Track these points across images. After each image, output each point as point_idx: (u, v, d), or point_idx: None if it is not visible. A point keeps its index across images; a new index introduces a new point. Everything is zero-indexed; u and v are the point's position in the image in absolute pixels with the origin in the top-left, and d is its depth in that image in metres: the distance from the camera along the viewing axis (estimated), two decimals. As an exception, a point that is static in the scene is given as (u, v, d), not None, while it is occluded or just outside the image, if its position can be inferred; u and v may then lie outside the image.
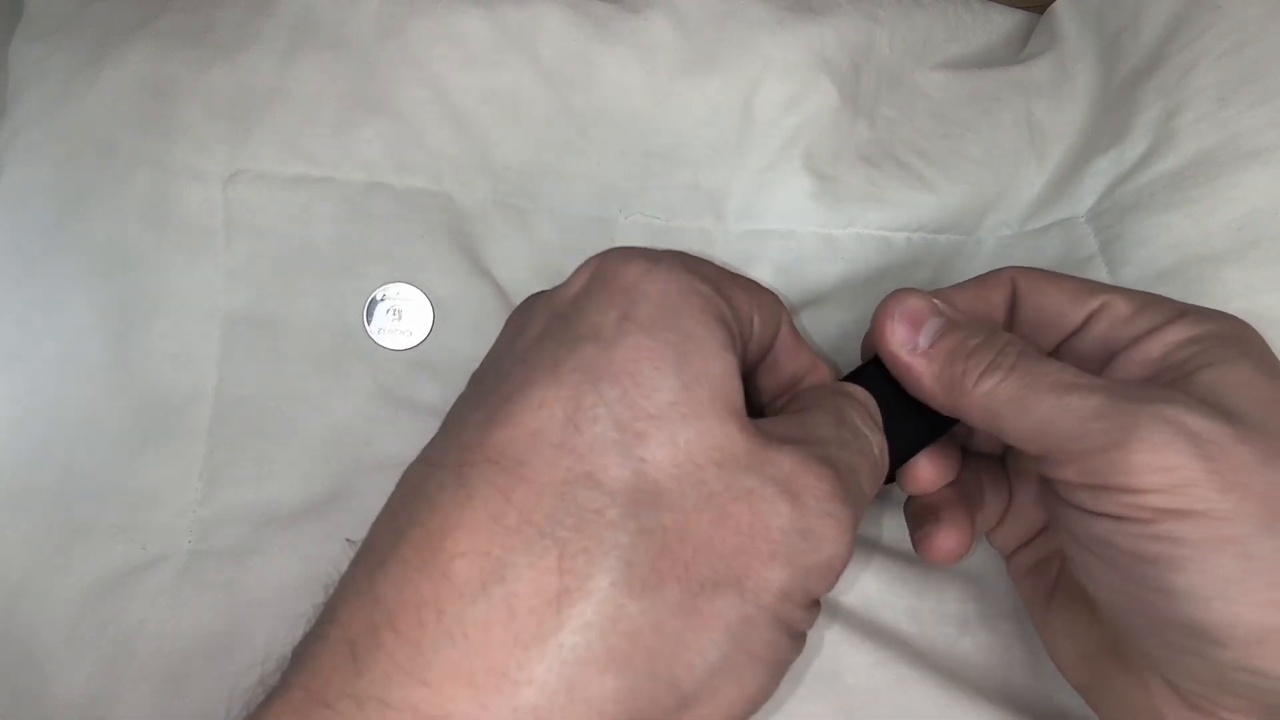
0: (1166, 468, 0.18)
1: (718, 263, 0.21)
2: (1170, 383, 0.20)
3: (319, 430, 0.27)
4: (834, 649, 0.25)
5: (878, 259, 0.31)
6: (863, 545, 0.27)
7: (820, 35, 0.30)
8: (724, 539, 0.17)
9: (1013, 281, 0.23)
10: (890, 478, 0.27)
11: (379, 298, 0.28)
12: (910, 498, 0.25)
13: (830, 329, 0.30)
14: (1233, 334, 0.20)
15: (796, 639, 0.18)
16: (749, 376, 0.23)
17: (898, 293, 0.22)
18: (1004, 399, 0.20)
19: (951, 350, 0.21)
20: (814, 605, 0.19)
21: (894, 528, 0.28)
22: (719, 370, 0.18)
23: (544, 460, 0.16)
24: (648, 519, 0.16)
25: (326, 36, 0.29)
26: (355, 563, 0.18)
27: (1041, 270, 0.23)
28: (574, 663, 0.15)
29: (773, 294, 0.22)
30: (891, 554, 0.27)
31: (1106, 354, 0.22)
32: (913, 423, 0.23)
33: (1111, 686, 0.22)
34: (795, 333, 0.23)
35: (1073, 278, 0.23)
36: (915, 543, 0.24)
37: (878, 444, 0.21)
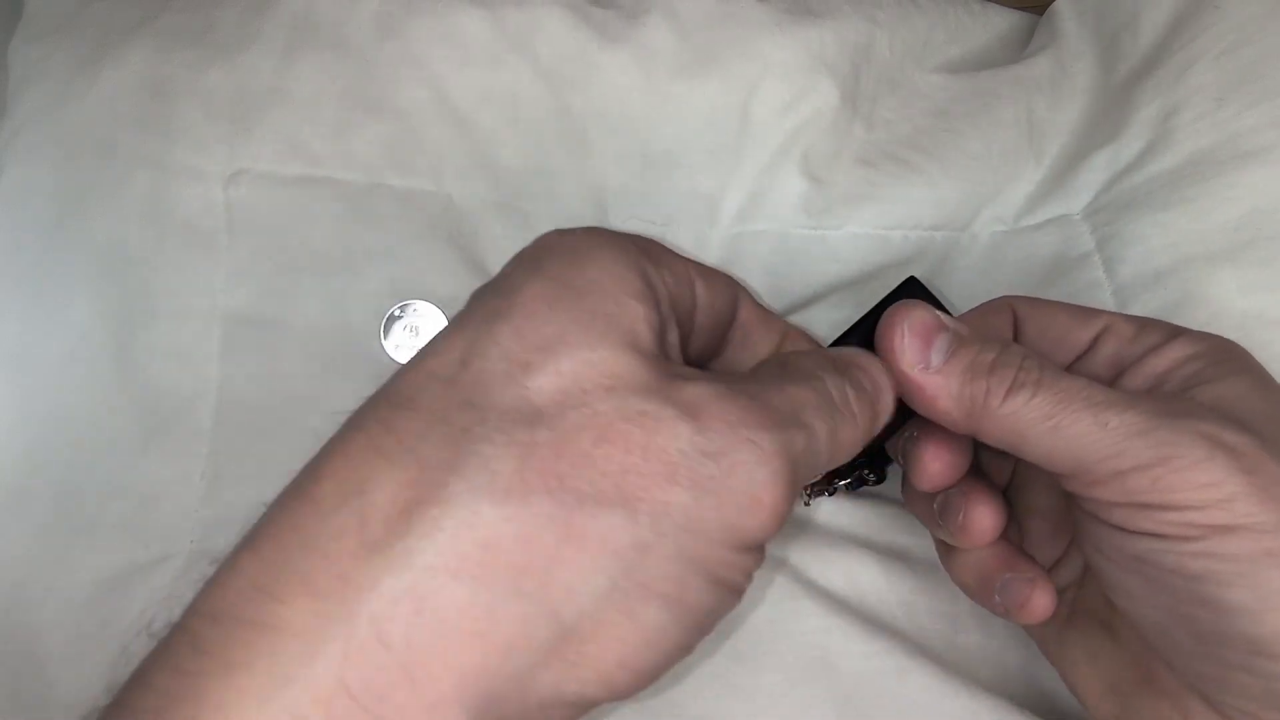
0: (1210, 483, 0.18)
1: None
2: (1178, 396, 0.20)
3: (320, 429, 0.27)
4: (829, 636, 0.25)
5: (872, 257, 0.31)
6: (855, 540, 0.27)
7: (820, 37, 0.30)
8: (608, 456, 0.15)
9: (1012, 308, 0.23)
10: (879, 478, 0.26)
11: (396, 314, 0.28)
12: (922, 496, 0.24)
13: (823, 330, 0.30)
14: (1228, 351, 0.21)
15: (719, 585, 0.16)
16: (715, 350, 0.22)
17: (902, 305, 0.21)
18: (1032, 418, 0.19)
19: (969, 367, 0.20)
20: (747, 551, 0.17)
21: (886, 524, 0.28)
22: (621, 310, 0.17)
23: (430, 394, 0.16)
24: (519, 434, 0.15)
25: (326, 36, 0.29)
26: None
27: (1038, 298, 0.24)
28: (422, 569, 0.14)
29: (727, 275, 0.21)
30: (886, 551, 0.27)
31: (1114, 373, 0.22)
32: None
33: (1143, 716, 0.21)
34: (760, 307, 0.22)
35: (1068, 304, 0.23)
36: (953, 532, 0.23)
37: (862, 419, 0.19)
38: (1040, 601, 0.22)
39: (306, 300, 0.28)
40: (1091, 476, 0.19)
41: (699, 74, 0.30)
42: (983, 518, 0.23)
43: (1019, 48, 0.34)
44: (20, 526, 0.26)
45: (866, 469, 0.27)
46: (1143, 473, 0.18)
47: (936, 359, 0.21)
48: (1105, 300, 0.28)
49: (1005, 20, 0.34)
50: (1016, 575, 0.23)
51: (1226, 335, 0.26)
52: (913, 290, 0.24)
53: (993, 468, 0.26)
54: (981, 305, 0.24)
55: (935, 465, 0.23)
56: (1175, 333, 0.21)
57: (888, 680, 0.24)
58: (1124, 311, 0.28)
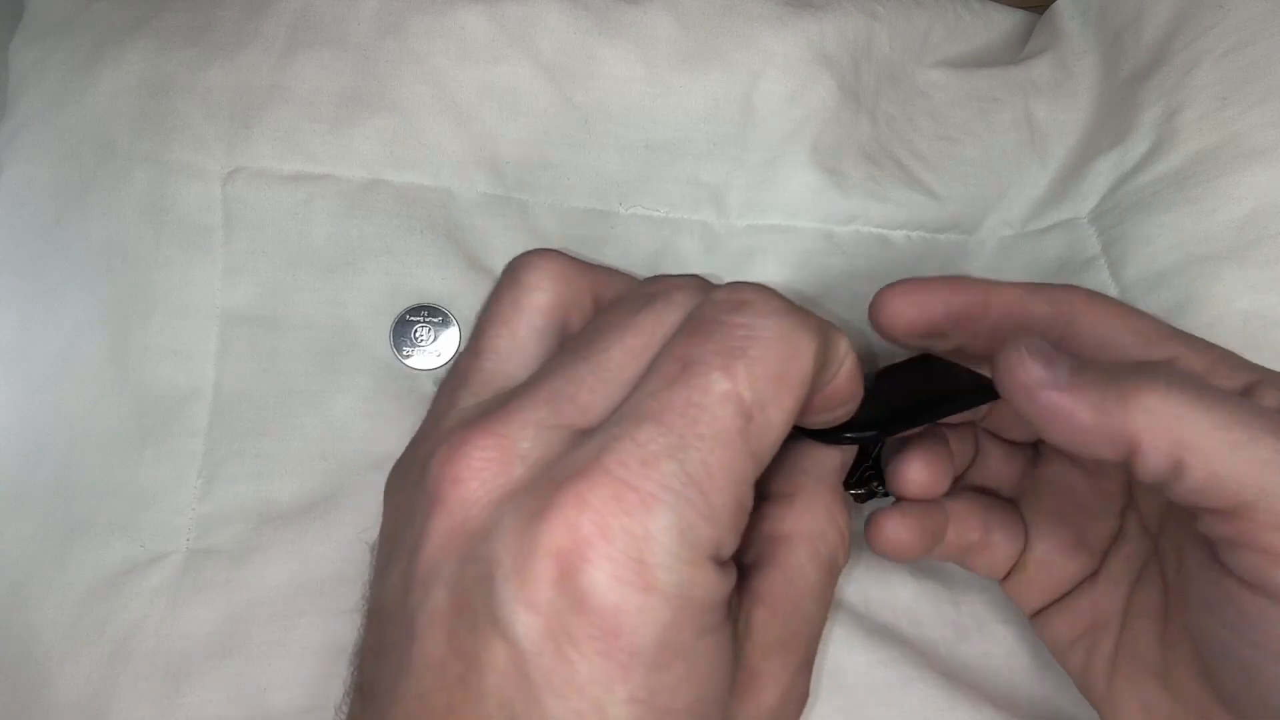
0: None
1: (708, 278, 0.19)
2: None
3: (318, 428, 0.27)
4: (835, 648, 0.25)
5: (878, 256, 0.31)
6: (861, 548, 0.27)
7: (820, 31, 0.30)
8: None
9: (1072, 305, 0.21)
10: (873, 491, 0.26)
11: (409, 319, 0.28)
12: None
13: None
14: None
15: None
16: None
17: (1019, 337, 0.19)
18: (1206, 426, 0.16)
19: (1105, 375, 0.18)
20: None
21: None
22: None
23: None
24: None
25: (325, 33, 0.29)
26: None
27: (1109, 300, 0.21)
28: None
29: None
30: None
31: None
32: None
33: None
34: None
35: (1140, 315, 0.21)
36: (886, 477, 0.22)
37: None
38: (913, 474, 0.21)
39: (304, 297, 0.28)
40: (1266, 515, 0.16)
41: (700, 65, 0.30)
42: (921, 472, 0.22)
43: (1019, 46, 0.34)
44: (17, 525, 0.26)
45: (876, 481, 0.27)
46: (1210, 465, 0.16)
47: (1065, 376, 0.18)
48: None
49: (1005, 19, 0.34)
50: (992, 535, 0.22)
51: (1230, 336, 0.26)
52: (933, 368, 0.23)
53: (994, 468, 0.25)
54: (1035, 285, 0.22)
55: (923, 478, 0.22)
56: (1261, 378, 0.18)
57: (893, 691, 0.24)
58: None
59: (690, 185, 0.30)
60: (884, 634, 0.25)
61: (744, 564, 0.19)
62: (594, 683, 0.15)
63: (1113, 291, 0.29)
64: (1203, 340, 0.20)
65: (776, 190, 0.30)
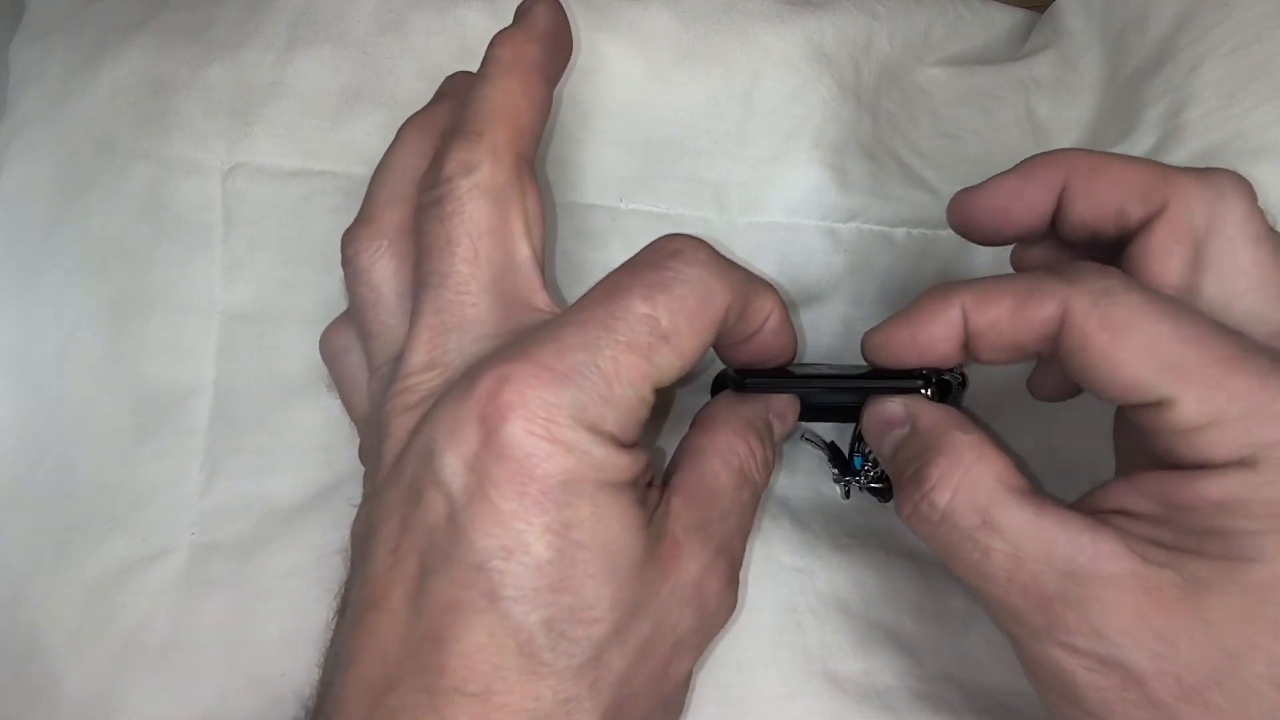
0: (1074, 696, 0.18)
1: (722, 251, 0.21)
2: None
3: (317, 422, 0.27)
4: (830, 652, 0.24)
5: (880, 254, 0.31)
6: (862, 543, 0.27)
7: (820, 29, 0.30)
8: (652, 671, 0.19)
9: (1066, 170, 0.21)
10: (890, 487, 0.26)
11: None
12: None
13: (834, 324, 0.30)
14: None
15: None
16: None
17: (883, 399, 0.23)
18: (932, 547, 0.20)
19: (896, 474, 0.22)
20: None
21: (894, 526, 0.27)
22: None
23: (512, 688, 0.17)
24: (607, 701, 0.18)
25: (326, 30, 0.29)
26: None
27: (1099, 155, 0.21)
28: None
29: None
30: (895, 553, 0.27)
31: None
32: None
33: None
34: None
35: (1133, 164, 0.21)
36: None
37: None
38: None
39: (304, 293, 0.28)
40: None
41: (700, 62, 0.30)
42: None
43: (1019, 45, 0.34)
44: (20, 523, 0.26)
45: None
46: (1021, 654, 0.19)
47: (887, 450, 0.22)
48: None
49: (1006, 17, 0.34)
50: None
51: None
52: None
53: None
54: (1027, 165, 0.22)
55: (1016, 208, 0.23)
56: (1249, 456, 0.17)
57: (886, 696, 0.24)
58: None
59: (691, 182, 0.30)
60: (883, 632, 0.25)
61: (668, 473, 0.22)
62: (515, 516, 0.17)
63: None
64: (1191, 171, 0.20)
65: (777, 188, 0.30)
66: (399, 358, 0.20)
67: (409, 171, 0.23)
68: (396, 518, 0.19)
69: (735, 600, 0.22)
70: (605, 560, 0.18)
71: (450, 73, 0.28)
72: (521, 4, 0.23)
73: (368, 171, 0.29)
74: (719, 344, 0.22)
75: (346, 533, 0.25)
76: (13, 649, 0.25)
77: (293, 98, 0.28)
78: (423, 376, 0.20)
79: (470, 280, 0.20)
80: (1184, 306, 0.19)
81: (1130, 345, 0.18)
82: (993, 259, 0.31)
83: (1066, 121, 0.31)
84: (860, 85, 0.31)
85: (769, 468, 0.24)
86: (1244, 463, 0.17)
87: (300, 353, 0.27)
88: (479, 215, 0.20)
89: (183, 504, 0.26)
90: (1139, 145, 0.29)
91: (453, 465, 0.18)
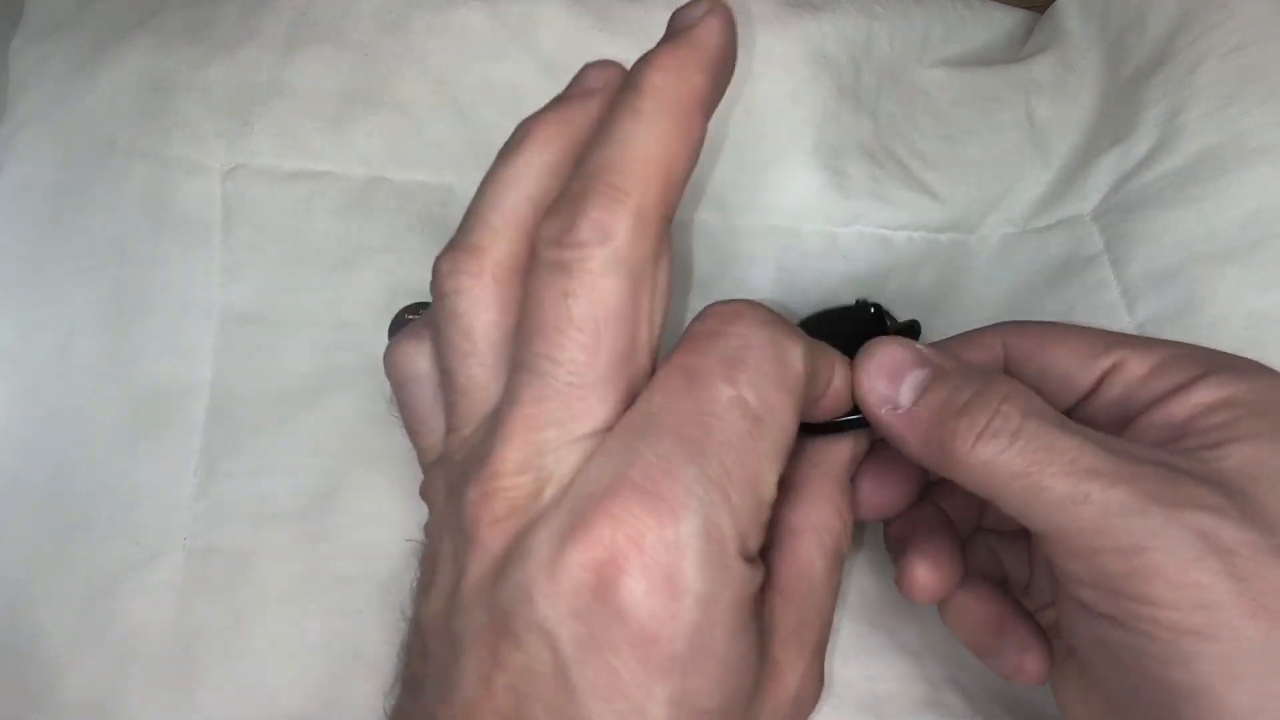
0: (1192, 585, 0.16)
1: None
2: (1195, 453, 0.18)
3: (314, 425, 0.27)
4: (829, 659, 0.24)
5: (879, 258, 0.31)
6: (867, 549, 0.27)
7: (819, 30, 0.30)
8: None
9: (1004, 345, 0.21)
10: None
11: (407, 317, 0.28)
12: (887, 524, 0.23)
13: None
14: (1269, 400, 0.18)
15: None
16: None
17: (874, 343, 0.20)
18: (1005, 474, 0.17)
19: (939, 408, 0.18)
20: None
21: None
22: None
23: None
24: None
25: (326, 31, 0.29)
26: None
27: (1038, 326, 0.21)
28: None
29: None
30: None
31: (1124, 418, 0.20)
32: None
33: None
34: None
35: (1076, 331, 0.21)
36: (896, 581, 0.22)
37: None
38: (1032, 668, 0.21)
39: (303, 294, 0.28)
40: (1065, 548, 0.17)
41: None
42: (919, 578, 0.21)
43: (1019, 46, 0.34)
44: (15, 523, 0.26)
45: None
46: (1120, 558, 0.16)
47: (907, 397, 0.19)
48: (1113, 300, 0.28)
49: (1006, 18, 0.34)
50: (1006, 642, 0.21)
51: (1234, 334, 0.26)
52: (864, 314, 0.23)
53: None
54: (964, 335, 0.22)
55: (874, 499, 0.22)
56: (1205, 369, 0.18)
57: (884, 703, 0.24)
58: (1132, 309, 0.28)
59: (691, 185, 0.30)
60: (881, 645, 0.25)
61: (768, 553, 0.20)
62: (635, 686, 0.15)
63: (1115, 289, 0.28)
64: (1150, 340, 0.20)
65: (778, 191, 0.30)
66: (485, 441, 0.18)
67: (532, 190, 0.19)
68: (486, 647, 0.16)
69: (821, 691, 0.20)
70: (722, 712, 0.16)
71: (451, 71, 0.28)
72: (684, 12, 0.19)
73: (368, 173, 0.29)
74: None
75: (345, 542, 0.25)
76: (11, 651, 0.25)
77: (293, 98, 0.28)
78: (514, 480, 0.17)
79: (585, 372, 0.17)
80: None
81: (1067, 335, 0.20)
82: (995, 260, 0.31)
83: (1064, 124, 0.32)
84: (860, 87, 0.31)
85: (852, 533, 0.21)
86: (1206, 373, 0.18)
87: (299, 354, 0.27)
88: (609, 296, 0.17)
89: (178, 505, 0.26)
90: (1138, 146, 0.29)
91: (559, 615, 0.16)
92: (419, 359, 0.21)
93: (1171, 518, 0.16)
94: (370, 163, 0.29)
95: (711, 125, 0.30)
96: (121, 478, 0.26)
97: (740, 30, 0.30)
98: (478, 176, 0.29)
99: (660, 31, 0.29)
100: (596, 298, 0.17)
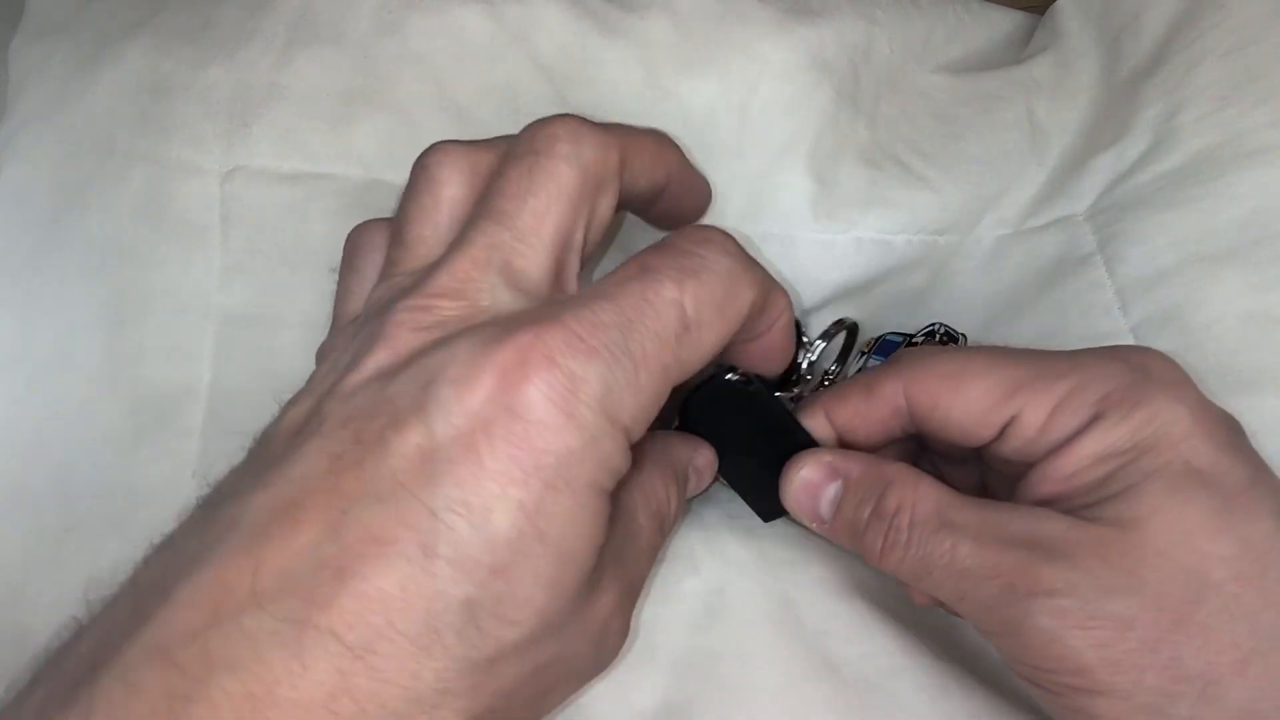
0: (1060, 656, 0.19)
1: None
2: (1078, 511, 0.20)
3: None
4: (829, 639, 0.24)
5: (877, 263, 0.31)
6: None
7: (819, 37, 0.30)
8: (533, 693, 0.18)
9: (904, 393, 0.23)
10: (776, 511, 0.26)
11: None
12: None
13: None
14: (1158, 439, 0.20)
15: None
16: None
17: (793, 463, 0.23)
18: (909, 575, 0.21)
19: (850, 524, 0.22)
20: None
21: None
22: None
23: (396, 656, 0.16)
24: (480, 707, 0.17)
25: (325, 33, 0.29)
26: (131, 645, 0.16)
27: (936, 374, 0.22)
28: None
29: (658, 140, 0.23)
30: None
31: (1023, 465, 0.22)
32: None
33: None
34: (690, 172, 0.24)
35: (976, 377, 0.22)
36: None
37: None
38: None
39: (302, 296, 0.28)
40: (973, 623, 0.20)
41: (698, 72, 0.30)
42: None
43: (1020, 47, 0.34)
44: (13, 525, 0.26)
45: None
46: (1004, 640, 0.20)
47: (826, 512, 0.23)
48: (1107, 300, 0.28)
49: (1006, 20, 0.34)
50: None
51: (1230, 335, 0.26)
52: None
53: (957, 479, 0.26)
54: (865, 382, 0.23)
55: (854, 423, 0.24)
56: (1095, 415, 0.20)
57: (887, 680, 0.24)
58: (1126, 310, 0.28)
59: None
60: (880, 623, 0.25)
61: None
62: (494, 477, 0.16)
63: (1108, 289, 0.28)
64: (1053, 372, 0.21)
65: (774, 199, 0.30)
66: (426, 272, 0.19)
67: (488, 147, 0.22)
68: (352, 429, 0.17)
69: (624, 642, 0.21)
70: (556, 565, 0.17)
71: (449, 73, 0.28)
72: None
73: (366, 175, 0.29)
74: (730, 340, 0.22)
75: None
76: (11, 652, 0.25)
77: (291, 100, 0.28)
78: (447, 302, 0.18)
79: (532, 233, 0.19)
80: (979, 349, 0.22)
81: (966, 388, 0.21)
82: (989, 261, 0.31)
83: (1062, 124, 0.31)
84: (860, 91, 0.31)
85: (676, 525, 0.24)
86: (1095, 419, 0.20)
87: (298, 355, 0.27)
88: (565, 181, 0.19)
89: (174, 508, 0.26)
90: (1134, 147, 0.29)
91: (452, 404, 0.16)
92: (378, 235, 0.23)
93: (1031, 606, 0.19)
94: (369, 164, 0.29)
95: (705, 132, 0.30)
96: (121, 478, 0.26)
97: (738, 37, 0.30)
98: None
99: (657, 34, 0.30)
100: (556, 176, 0.19)
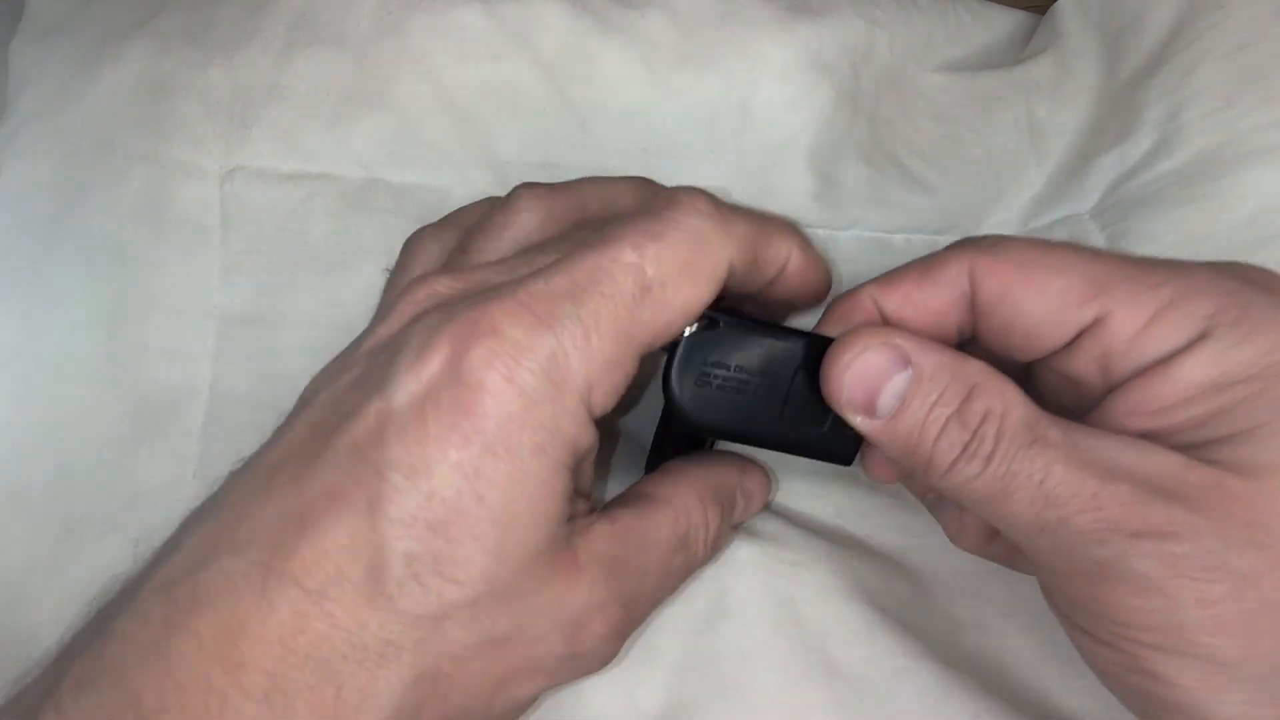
0: (1154, 609, 0.16)
1: None
2: (1187, 449, 0.17)
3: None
4: (830, 641, 0.24)
5: (877, 260, 0.31)
6: (857, 540, 0.27)
7: (819, 36, 0.30)
8: (491, 671, 0.18)
9: (970, 276, 0.20)
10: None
11: None
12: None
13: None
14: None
15: None
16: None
17: (848, 342, 0.19)
18: (979, 498, 0.18)
19: (914, 427, 0.18)
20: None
21: (887, 524, 0.28)
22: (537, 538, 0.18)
23: (345, 602, 0.17)
24: (427, 665, 0.17)
25: (325, 33, 0.29)
26: (147, 585, 0.18)
27: (1010, 258, 0.19)
28: None
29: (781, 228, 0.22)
30: (890, 551, 0.27)
31: (1104, 384, 0.18)
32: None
33: None
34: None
35: (1054, 268, 0.19)
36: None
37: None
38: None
39: (302, 296, 0.28)
40: (1039, 563, 0.18)
41: (699, 70, 0.30)
42: (967, 529, 0.23)
43: (1020, 48, 0.34)
44: (13, 526, 0.26)
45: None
46: (1082, 584, 0.17)
47: (887, 405, 0.19)
48: None
49: (1006, 20, 0.34)
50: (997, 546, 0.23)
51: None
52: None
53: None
54: (927, 263, 0.21)
55: (881, 473, 0.23)
56: (1204, 331, 0.17)
57: (888, 681, 0.24)
58: None
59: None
60: (881, 625, 0.25)
61: (610, 503, 0.21)
62: (434, 441, 0.17)
63: None
64: (1147, 276, 0.18)
65: (774, 196, 0.30)
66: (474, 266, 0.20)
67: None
68: (335, 400, 0.19)
69: (613, 655, 0.20)
70: (497, 528, 0.17)
71: (449, 73, 0.28)
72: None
73: (366, 174, 0.29)
74: (736, 296, 0.21)
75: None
76: (11, 652, 0.25)
77: (291, 100, 0.28)
78: (447, 280, 0.20)
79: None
80: (1060, 242, 0.20)
81: (1046, 277, 0.18)
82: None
83: (1062, 125, 0.31)
84: (859, 91, 0.31)
85: (716, 548, 0.23)
86: (1202, 337, 0.17)
87: (298, 356, 0.27)
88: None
89: (175, 509, 0.26)
90: (1138, 146, 0.29)
91: (408, 374, 0.18)
92: (431, 241, 0.24)
93: (1132, 549, 0.16)
94: (368, 164, 0.29)
95: (706, 130, 0.30)
96: (121, 479, 0.26)
97: (738, 36, 0.30)
98: (475, 178, 0.29)
99: (657, 32, 0.30)
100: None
